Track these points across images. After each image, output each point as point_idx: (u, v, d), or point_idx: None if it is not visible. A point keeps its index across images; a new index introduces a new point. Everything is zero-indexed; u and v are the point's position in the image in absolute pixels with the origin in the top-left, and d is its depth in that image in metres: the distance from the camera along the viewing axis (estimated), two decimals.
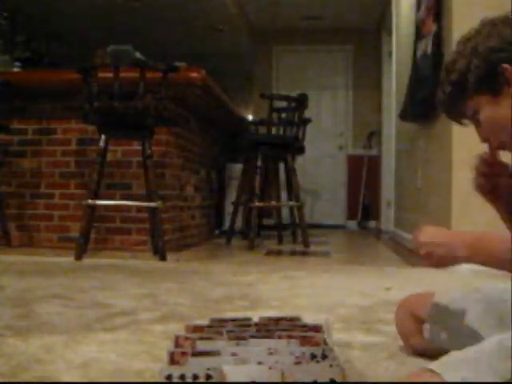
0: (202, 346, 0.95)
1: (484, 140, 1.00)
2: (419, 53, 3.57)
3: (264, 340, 0.99)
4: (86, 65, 2.86)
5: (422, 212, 3.70)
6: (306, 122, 4.35)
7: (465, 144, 2.87)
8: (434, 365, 0.71)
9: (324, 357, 0.93)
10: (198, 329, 1.08)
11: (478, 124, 1.00)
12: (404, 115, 3.98)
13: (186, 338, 0.99)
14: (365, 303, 1.81)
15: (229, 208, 4.92)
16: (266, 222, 5.40)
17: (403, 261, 3.22)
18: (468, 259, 0.98)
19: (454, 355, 0.73)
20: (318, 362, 0.91)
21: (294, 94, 4.12)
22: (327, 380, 0.84)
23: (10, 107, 3.61)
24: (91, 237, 3.13)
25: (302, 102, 4.01)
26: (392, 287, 2.12)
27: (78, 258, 2.90)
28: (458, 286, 2.27)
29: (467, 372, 0.68)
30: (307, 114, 4.26)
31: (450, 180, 2.88)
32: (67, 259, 2.89)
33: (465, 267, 2.76)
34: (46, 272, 2.42)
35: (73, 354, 1.15)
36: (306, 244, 3.88)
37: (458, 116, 1.04)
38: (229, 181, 5.40)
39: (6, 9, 4.76)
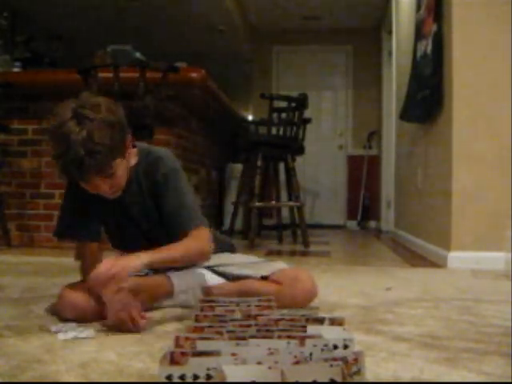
0: (202, 345, 0.95)
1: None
2: (419, 53, 3.57)
3: (264, 340, 0.99)
4: (86, 65, 2.85)
5: (422, 212, 3.70)
6: (305, 121, 4.35)
7: (465, 144, 2.87)
8: None
9: (345, 347, 0.98)
10: (197, 329, 1.08)
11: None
12: (404, 115, 3.97)
13: (186, 338, 0.99)
14: (365, 303, 1.81)
15: (229, 208, 4.92)
16: (266, 221, 5.40)
17: (403, 261, 3.22)
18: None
19: None
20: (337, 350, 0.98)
21: (294, 94, 4.12)
22: (327, 380, 0.84)
23: (10, 107, 3.61)
24: None
25: (302, 102, 4.01)
26: (392, 287, 2.12)
27: (78, 258, 2.89)
28: (458, 285, 2.27)
29: None
30: (307, 114, 4.26)
31: (450, 180, 2.88)
32: (67, 259, 2.88)
33: (465, 267, 2.76)
34: (46, 272, 2.43)
35: (73, 354, 1.15)
36: (306, 244, 3.88)
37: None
38: (229, 181, 5.40)
39: (5, 9, 4.75)
